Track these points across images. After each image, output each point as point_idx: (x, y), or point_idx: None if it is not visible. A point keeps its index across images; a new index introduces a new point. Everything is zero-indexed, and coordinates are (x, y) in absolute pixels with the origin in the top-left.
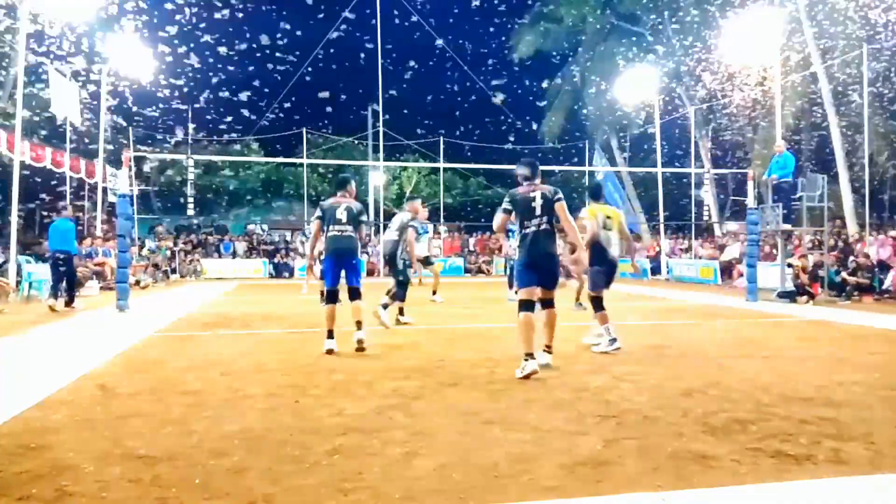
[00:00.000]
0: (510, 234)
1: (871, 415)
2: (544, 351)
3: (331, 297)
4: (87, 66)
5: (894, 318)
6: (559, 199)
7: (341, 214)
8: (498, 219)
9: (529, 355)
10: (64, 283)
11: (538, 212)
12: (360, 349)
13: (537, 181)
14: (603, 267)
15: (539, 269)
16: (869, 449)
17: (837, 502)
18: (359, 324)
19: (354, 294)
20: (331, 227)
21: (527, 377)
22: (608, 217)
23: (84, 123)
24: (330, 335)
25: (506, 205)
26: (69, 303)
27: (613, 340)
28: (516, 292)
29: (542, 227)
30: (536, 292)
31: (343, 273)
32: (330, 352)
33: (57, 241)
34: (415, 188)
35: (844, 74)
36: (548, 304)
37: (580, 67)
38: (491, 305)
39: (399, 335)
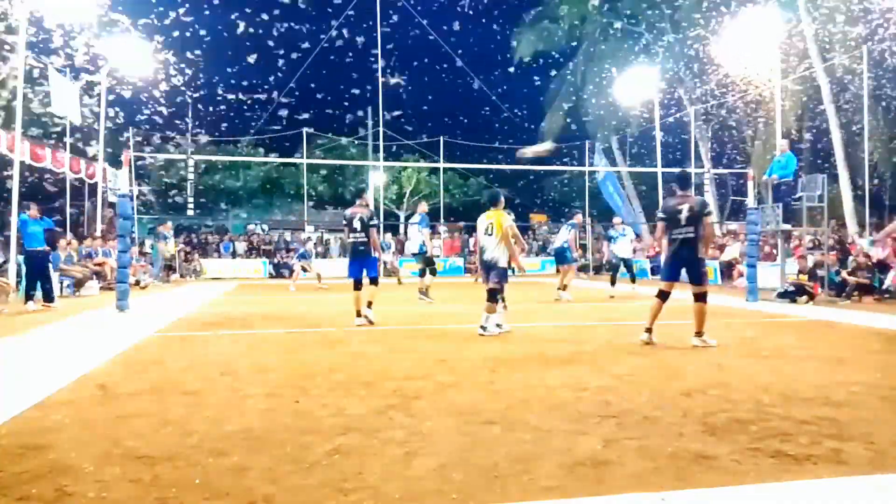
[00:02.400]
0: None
1: (871, 415)
2: (695, 337)
3: (356, 286)
4: (88, 65)
5: (894, 318)
6: (707, 213)
7: (357, 224)
8: (658, 229)
9: (649, 330)
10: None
11: (683, 222)
12: (370, 322)
13: (687, 192)
14: (483, 266)
15: (685, 269)
16: (869, 449)
17: (837, 502)
18: (369, 303)
19: (372, 282)
20: (350, 235)
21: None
22: (490, 223)
23: (84, 124)
24: (358, 314)
25: (660, 214)
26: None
27: (484, 328)
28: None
29: (687, 235)
30: (691, 288)
31: (364, 269)
32: (360, 325)
33: (31, 241)
34: (415, 188)
35: (845, 73)
36: (700, 298)
37: (580, 67)
38: None
39: (399, 335)
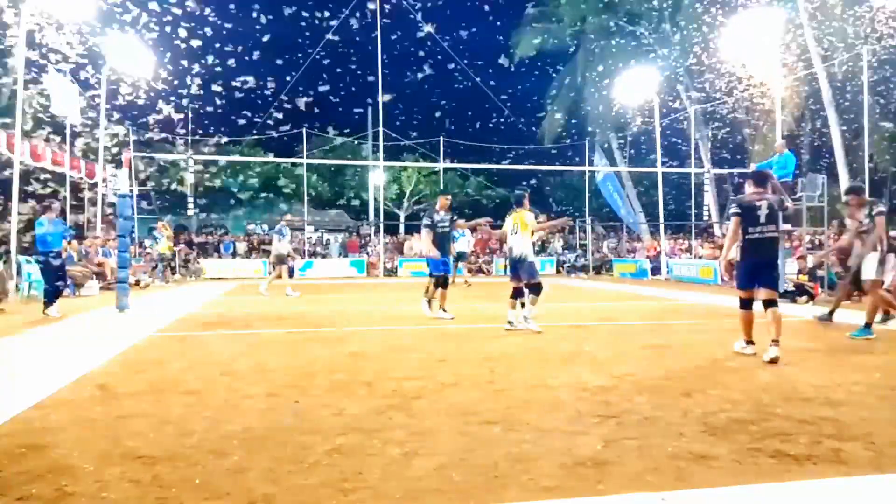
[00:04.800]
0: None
1: (871, 415)
2: (772, 345)
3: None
4: (88, 65)
5: (894, 318)
6: (785, 209)
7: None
8: (731, 228)
9: (749, 341)
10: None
11: (762, 220)
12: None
13: (762, 189)
14: (511, 265)
15: (760, 273)
16: (869, 449)
17: (837, 502)
18: (440, 306)
19: (438, 283)
20: None
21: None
22: (515, 223)
23: (84, 124)
24: (429, 304)
25: (735, 209)
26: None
27: (511, 323)
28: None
29: (767, 234)
30: (760, 293)
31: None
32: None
33: (46, 244)
34: (414, 188)
35: (845, 74)
36: (770, 304)
37: (580, 67)
38: (491, 305)
39: (399, 335)
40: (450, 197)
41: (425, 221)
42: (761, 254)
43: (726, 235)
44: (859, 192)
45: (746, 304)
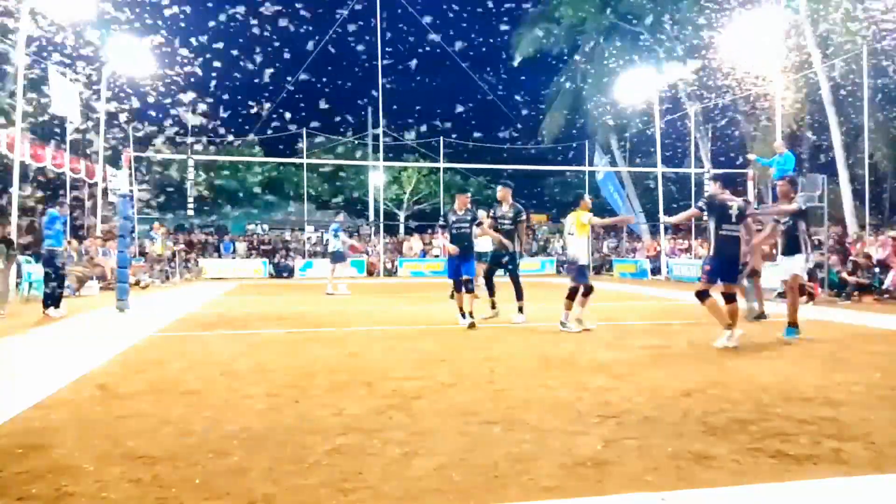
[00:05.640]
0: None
1: (871, 415)
2: (726, 329)
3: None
4: (88, 65)
5: (894, 318)
6: (747, 214)
7: None
8: (688, 212)
9: (729, 326)
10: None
11: (733, 220)
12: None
13: (729, 190)
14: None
15: (730, 269)
16: (869, 449)
17: (837, 502)
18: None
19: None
20: None
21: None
22: (573, 224)
23: (83, 124)
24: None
25: (702, 204)
26: (56, 305)
27: (563, 324)
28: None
29: (735, 233)
30: (724, 287)
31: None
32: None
33: (57, 239)
34: (415, 188)
35: (844, 72)
36: (731, 298)
37: (580, 67)
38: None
39: (399, 335)
40: (469, 195)
41: (440, 221)
42: (730, 251)
43: (681, 213)
44: (795, 183)
45: (707, 294)
